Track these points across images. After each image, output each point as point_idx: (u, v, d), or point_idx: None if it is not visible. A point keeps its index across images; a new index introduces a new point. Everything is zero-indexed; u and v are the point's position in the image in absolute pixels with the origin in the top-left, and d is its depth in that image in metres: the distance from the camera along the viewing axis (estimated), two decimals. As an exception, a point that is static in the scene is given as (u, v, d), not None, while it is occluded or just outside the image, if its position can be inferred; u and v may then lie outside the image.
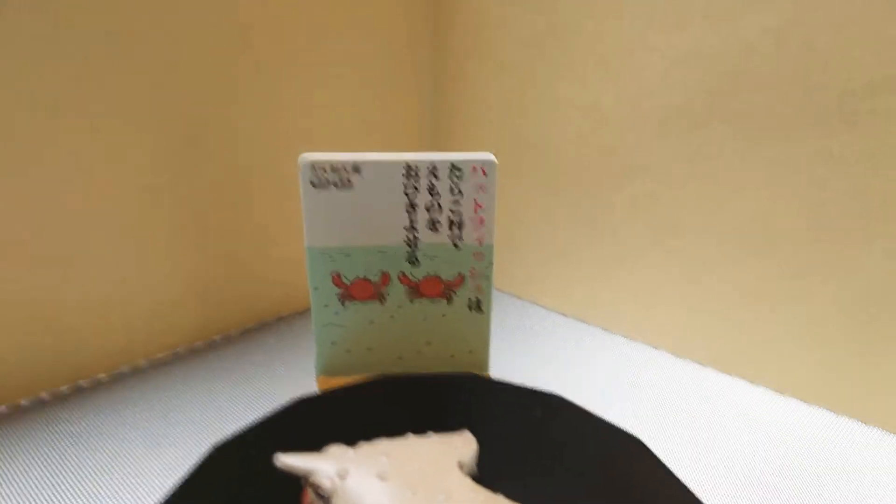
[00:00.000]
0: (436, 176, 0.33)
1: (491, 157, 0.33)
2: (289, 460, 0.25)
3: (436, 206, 0.34)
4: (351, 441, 0.28)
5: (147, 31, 0.40)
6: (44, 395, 0.40)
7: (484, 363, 0.38)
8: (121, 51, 0.39)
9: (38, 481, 0.32)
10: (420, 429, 0.30)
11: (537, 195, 0.52)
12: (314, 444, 0.28)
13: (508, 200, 0.54)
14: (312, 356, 0.45)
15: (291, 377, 0.43)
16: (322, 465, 0.24)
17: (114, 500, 0.31)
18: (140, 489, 0.32)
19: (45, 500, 0.31)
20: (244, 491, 0.26)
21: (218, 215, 0.46)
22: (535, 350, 0.46)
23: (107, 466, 0.34)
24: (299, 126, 0.49)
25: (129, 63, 0.39)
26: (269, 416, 0.30)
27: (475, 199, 0.34)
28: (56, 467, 0.34)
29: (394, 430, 0.30)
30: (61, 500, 0.31)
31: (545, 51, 0.48)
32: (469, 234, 0.35)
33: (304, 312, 0.53)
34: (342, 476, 0.24)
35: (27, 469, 0.33)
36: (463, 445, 0.24)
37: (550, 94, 0.49)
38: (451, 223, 0.34)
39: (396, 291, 0.36)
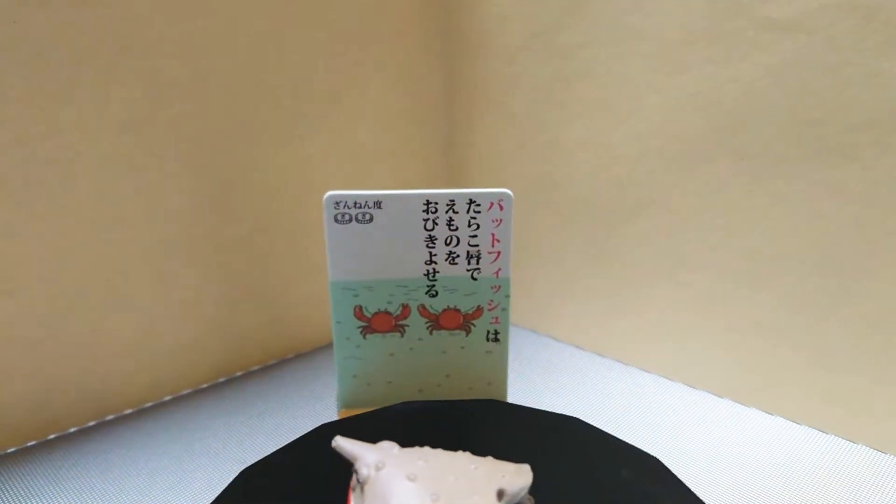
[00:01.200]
0: (454, 210, 0.34)
1: (507, 191, 0.34)
2: (342, 443, 0.26)
3: (454, 239, 0.35)
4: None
5: (184, 85, 0.41)
6: (71, 429, 0.41)
7: (502, 395, 0.38)
8: (160, 106, 0.41)
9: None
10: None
11: (551, 230, 0.53)
12: (339, 468, 0.28)
13: (523, 236, 0.55)
14: (333, 390, 0.46)
15: (311, 410, 0.43)
16: (367, 454, 0.25)
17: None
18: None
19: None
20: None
21: (243, 258, 0.47)
22: (551, 382, 0.46)
23: (137, 493, 0.34)
24: (324, 170, 0.50)
25: (168, 118, 0.41)
26: (295, 440, 0.30)
27: (492, 234, 0.35)
28: (85, 498, 0.34)
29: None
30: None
31: (554, 96, 0.50)
32: (486, 267, 0.35)
33: (323, 348, 0.53)
34: (378, 468, 0.24)
35: (55, 500, 0.34)
36: (513, 475, 0.24)
37: (561, 136, 0.50)
38: (470, 256, 0.35)
39: (416, 324, 0.36)
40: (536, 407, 0.43)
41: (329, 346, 0.54)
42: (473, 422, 0.33)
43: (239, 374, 0.49)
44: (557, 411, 0.42)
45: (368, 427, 0.32)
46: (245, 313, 0.49)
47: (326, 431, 0.32)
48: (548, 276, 0.54)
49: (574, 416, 0.37)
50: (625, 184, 0.47)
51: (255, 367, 0.50)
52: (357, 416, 0.33)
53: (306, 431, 0.32)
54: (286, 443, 0.35)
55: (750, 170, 0.41)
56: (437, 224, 0.34)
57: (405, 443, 0.30)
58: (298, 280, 0.51)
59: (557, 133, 0.50)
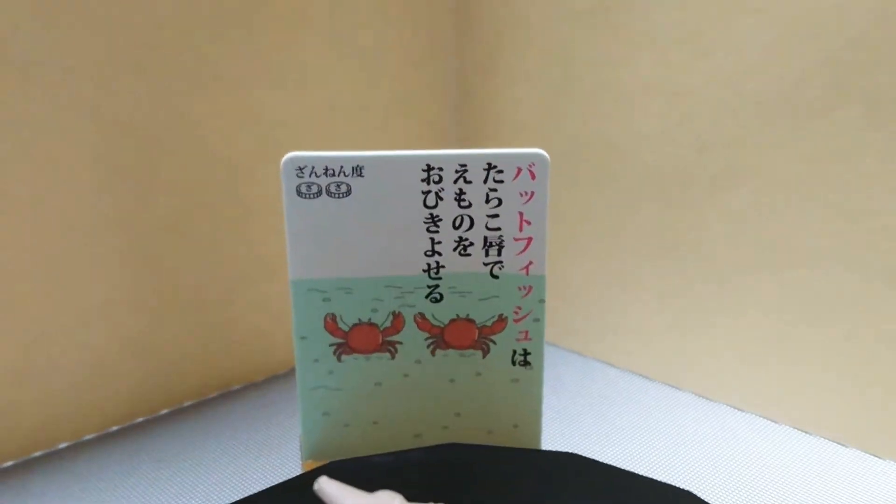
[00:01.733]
0: (466, 179, 0.34)
1: (541, 152, 0.34)
2: (327, 487, 0.28)
3: (466, 220, 0.34)
4: None
5: (85, 3, 0.41)
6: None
7: (534, 441, 0.38)
8: (49, 33, 0.40)
9: None
10: None
11: (599, 211, 0.52)
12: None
13: (561, 217, 0.55)
14: (295, 434, 0.45)
15: (265, 464, 0.42)
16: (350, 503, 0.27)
17: None
18: None
19: None
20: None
21: (170, 249, 0.47)
22: (604, 425, 0.46)
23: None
24: (284, 126, 0.50)
25: (61, 50, 0.41)
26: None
27: (520, 212, 0.34)
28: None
29: None
30: None
31: (606, 20, 0.49)
32: (512, 260, 0.35)
33: (282, 376, 0.53)
34: None
35: None
36: None
37: (616, 77, 0.50)
38: (488, 244, 0.34)
39: (413, 340, 0.36)
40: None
41: (290, 373, 0.54)
42: (524, 478, 0.33)
43: (164, 412, 0.48)
44: (614, 464, 0.41)
45: (365, 479, 0.32)
46: (173, 327, 0.48)
47: (298, 485, 0.31)
48: (597, 274, 0.54)
49: (640, 473, 0.37)
50: (707, 144, 0.46)
51: (188, 403, 0.49)
52: (347, 462, 0.33)
53: (266, 487, 0.32)
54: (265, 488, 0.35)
55: (887, 123, 0.40)
56: (441, 199, 0.34)
57: (413, 497, 0.30)
58: (247, 279, 0.51)
59: (611, 74, 0.50)
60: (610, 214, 0.52)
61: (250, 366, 0.52)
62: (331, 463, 0.34)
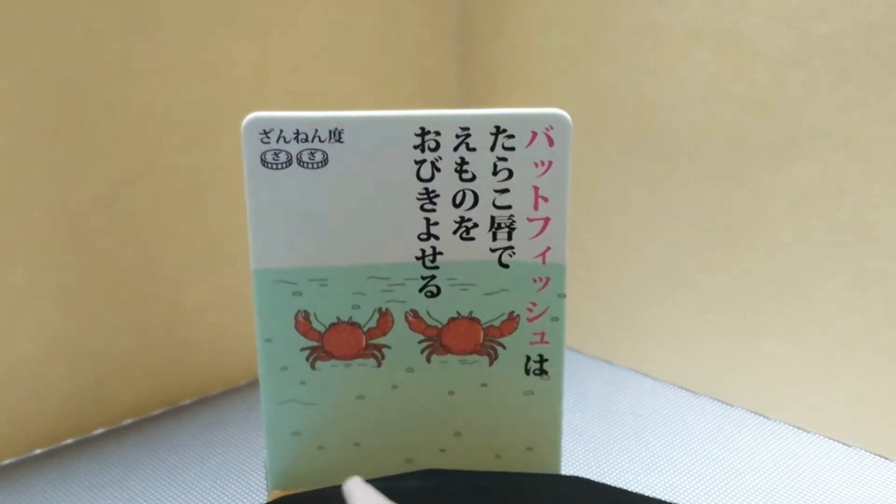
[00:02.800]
0: (469, 146, 0.34)
1: (562, 113, 0.34)
2: (357, 490, 0.30)
3: (470, 197, 0.34)
4: None
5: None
6: None
7: (551, 467, 0.38)
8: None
9: None
10: None
11: (633, 186, 0.52)
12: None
13: (585, 195, 0.55)
14: (258, 458, 0.46)
15: (220, 499, 0.43)
16: None
17: None
18: None
19: None
20: None
21: (103, 233, 0.47)
22: (640, 448, 0.46)
23: None
24: (245, 81, 0.50)
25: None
26: None
27: (536, 186, 0.34)
28: None
29: None
30: None
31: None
32: (526, 246, 0.35)
33: (241, 389, 0.53)
34: None
35: None
36: None
37: (657, 21, 0.50)
38: (496, 226, 0.35)
39: (404, 344, 0.36)
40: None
41: (253, 384, 0.54)
42: None
43: (98, 431, 0.49)
44: (656, 496, 0.42)
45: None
46: (110, 327, 0.49)
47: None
48: (629, 264, 0.54)
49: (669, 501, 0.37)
50: (768, 104, 0.47)
51: (128, 421, 0.50)
52: (323, 492, 0.34)
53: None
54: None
55: None
56: (438, 170, 0.34)
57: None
58: (201, 268, 0.51)
59: (650, 15, 0.50)
60: (645, 190, 0.52)
61: (204, 375, 0.52)
62: (301, 494, 0.34)
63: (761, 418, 0.50)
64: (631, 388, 0.53)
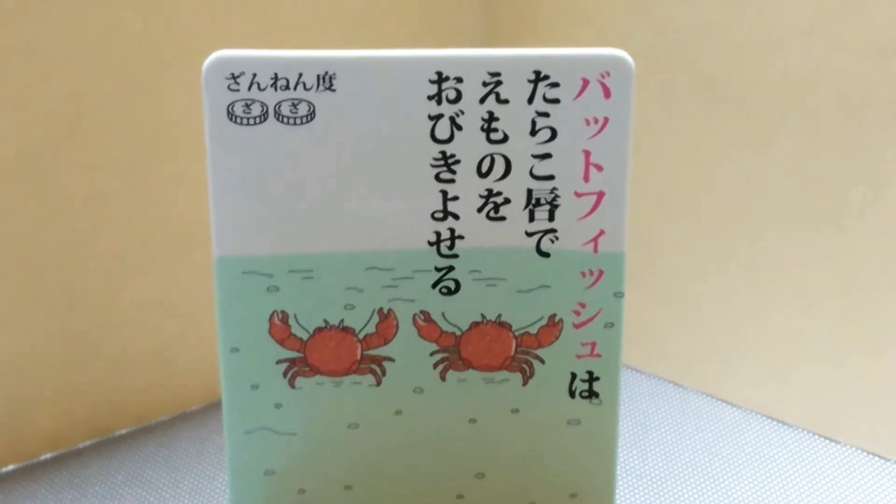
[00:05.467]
0: (500, 97, 0.34)
1: (622, 55, 0.34)
2: None
3: (500, 163, 0.35)
4: None
5: None
6: None
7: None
8: None
9: None
10: None
11: (711, 151, 0.52)
12: None
13: (650, 163, 0.55)
14: (220, 497, 0.46)
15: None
16: None
17: None
18: None
19: None
20: None
21: (16, 210, 0.47)
22: (716, 494, 0.47)
23: None
24: (206, 12, 0.50)
25: None
26: None
27: (586, 151, 0.35)
28: None
29: None
30: None
31: None
32: (572, 229, 0.35)
33: (198, 414, 0.54)
34: None
35: None
36: None
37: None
38: (534, 203, 0.35)
39: (411, 357, 0.36)
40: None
41: (208, 409, 0.54)
42: None
43: (9, 468, 0.49)
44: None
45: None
46: (24, 336, 0.49)
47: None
48: (710, 257, 0.54)
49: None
50: (892, 49, 0.46)
51: (46, 456, 0.50)
52: None
53: None
54: None
55: None
56: (459, 128, 0.34)
57: None
58: (141, 257, 0.51)
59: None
60: (729, 160, 0.52)
61: (146, 397, 0.53)
62: None
63: (878, 459, 0.50)
64: (707, 419, 0.53)
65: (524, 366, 0.37)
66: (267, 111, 0.34)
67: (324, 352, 0.36)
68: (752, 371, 0.54)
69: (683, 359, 0.57)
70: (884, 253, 0.49)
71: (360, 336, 0.36)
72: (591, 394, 0.37)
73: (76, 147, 0.49)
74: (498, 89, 0.34)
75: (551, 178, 0.35)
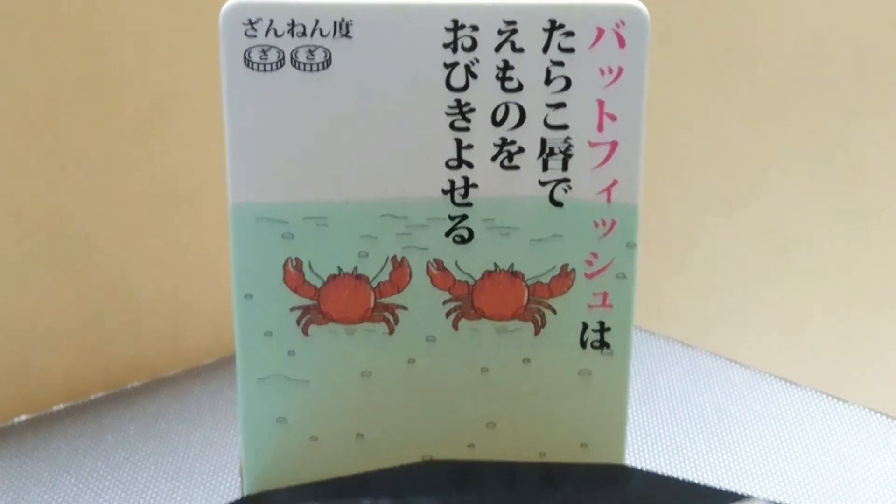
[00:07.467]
0: (515, 45, 0.34)
1: (637, 5, 0.34)
2: None
3: (515, 112, 0.35)
4: None
5: None
6: None
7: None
8: None
9: None
10: None
11: (727, 115, 0.52)
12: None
13: (660, 122, 0.55)
14: (234, 455, 0.46)
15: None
16: None
17: None
18: None
19: None
20: None
21: (26, 160, 0.47)
22: (723, 451, 0.47)
23: None
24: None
25: None
26: None
27: (600, 101, 0.35)
28: None
29: None
30: None
31: None
32: (586, 179, 0.35)
33: (210, 368, 0.54)
34: None
35: None
36: None
37: None
38: (548, 151, 0.35)
39: (424, 305, 0.36)
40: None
41: (219, 364, 0.55)
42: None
43: (21, 419, 0.50)
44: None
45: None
46: (35, 292, 0.49)
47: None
48: (723, 217, 0.54)
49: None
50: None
51: (58, 408, 0.51)
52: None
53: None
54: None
55: None
56: (474, 76, 0.34)
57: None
58: (156, 211, 0.51)
59: None
60: (743, 120, 0.52)
61: (160, 352, 0.53)
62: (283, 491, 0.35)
63: (886, 419, 0.50)
64: (716, 379, 0.53)
65: (536, 315, 0.37)
66: (283, 57, 0.34)
67: (337, 299, 0.36)
68: (761, 332, 0.54)
69: (693, 320, 0.57)
70: (895, 215, 0.49)
71: (374, 284, 0.36)
72: (603, 344, 0.37)
73: (92, 105, 0.49)
74: (513, 38, 0.34)
75: (565, 127, 0.35)
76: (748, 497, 0.34)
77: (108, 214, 0.50)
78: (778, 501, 0.43)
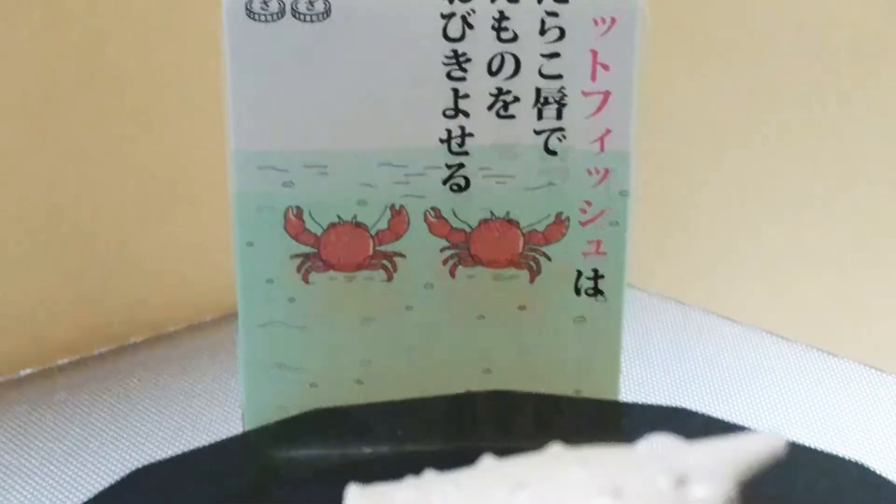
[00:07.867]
0: (511, -4, 0.35)
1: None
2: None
3: (510, 62, 0.35)
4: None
5: None
6: None
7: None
8: None
9: None
10: None
11: (718, 77, 0.52)
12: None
13: (658, 63, 0.54)
14: (235, 403, 0.47)
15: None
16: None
17: None
18: None
19: None
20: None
21: (29, 152, 0.48)
22: (716, 402, 0.48)
23: None
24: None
25: None
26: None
27: (594, 51, 0.35)
28: None
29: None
30: None
31: None
32: (580, 127, 0.36)
33: (211, 325, 0.55)
34: None
35: None
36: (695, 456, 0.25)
37: None
38: (543, 100, 0.35)
39: (422, 252, 0.37)
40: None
41: (220, 320, 0.55)
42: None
43: (27, 371, 0.50)
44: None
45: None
46: (41, 247, 0.50)
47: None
48: (714, 172, 0.54)
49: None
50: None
51: (63, 361, 0.51)
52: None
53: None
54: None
55: None
56: (471, 26, 0.35)
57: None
58: (165, 172, 0.52)
59: None
60: (734, 82, 0.52)
61: (162, 308, 0.54)
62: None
63: (876, 372, 0.50)
64: (708, 334, 0.54)
65: (531, 262, 0.37)
66: (284, 8, 0.34)
67: (337, 247, 0.36)
68: (754, 289, 0.54)
69: (684, 277, 0.57)
70: (885, 165, 0.49)
71: (373, 231, 0.36)
72: (597, 291, 0.37)
73: (93, 90, 0.49)
74: (509, -14, 0.34)
75: (559, 77, 0.35)
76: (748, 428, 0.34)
77: (115, 174, 0.51)
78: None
